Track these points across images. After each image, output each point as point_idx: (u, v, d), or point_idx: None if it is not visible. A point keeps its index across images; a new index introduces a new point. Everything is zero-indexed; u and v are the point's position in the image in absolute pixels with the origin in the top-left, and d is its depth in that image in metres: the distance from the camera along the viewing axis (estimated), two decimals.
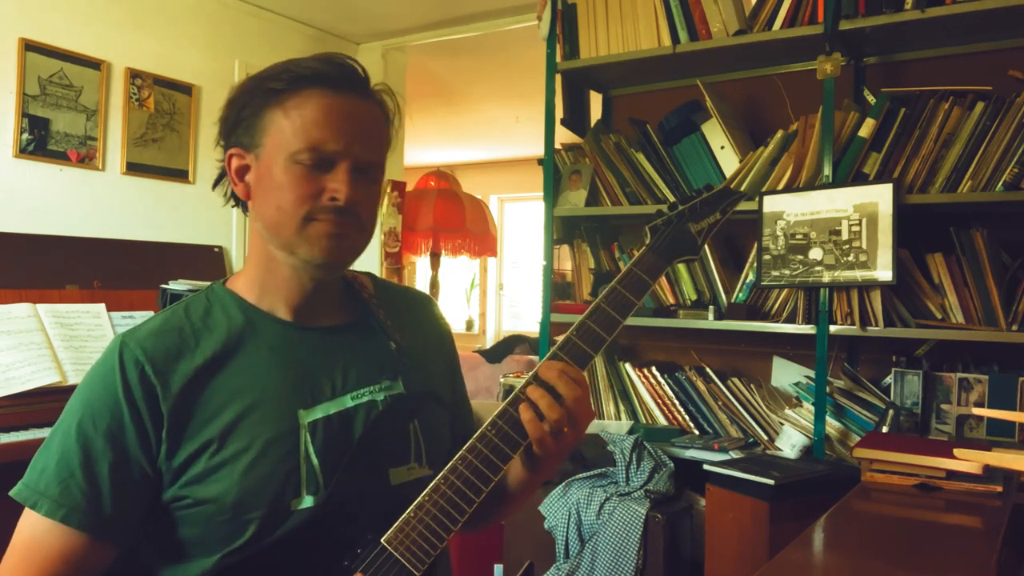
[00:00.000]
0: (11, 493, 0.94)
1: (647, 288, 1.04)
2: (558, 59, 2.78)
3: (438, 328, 1.22)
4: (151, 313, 2.75)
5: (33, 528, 0.93)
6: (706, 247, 2.57)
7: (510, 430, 0.96)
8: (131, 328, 1.01)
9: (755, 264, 2.42)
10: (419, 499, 0.93)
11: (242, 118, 0.99)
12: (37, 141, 3.08)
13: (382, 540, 0.92)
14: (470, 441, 0.95)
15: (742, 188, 2.43)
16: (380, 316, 1.09)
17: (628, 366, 2.73)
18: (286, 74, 0.97)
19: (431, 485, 0.94)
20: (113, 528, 0.94)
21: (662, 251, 1.06)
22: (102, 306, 2.65)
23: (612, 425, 2.64)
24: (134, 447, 0.94)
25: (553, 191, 2.80)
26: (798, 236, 2.28)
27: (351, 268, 1.11)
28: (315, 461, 0.96)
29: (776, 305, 2.43)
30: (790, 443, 2.30)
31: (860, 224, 2.18)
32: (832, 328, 2.24)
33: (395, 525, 0.92)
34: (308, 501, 0.95)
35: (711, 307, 2.50)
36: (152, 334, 0.98)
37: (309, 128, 0.95)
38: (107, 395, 0.95)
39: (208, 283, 1.12)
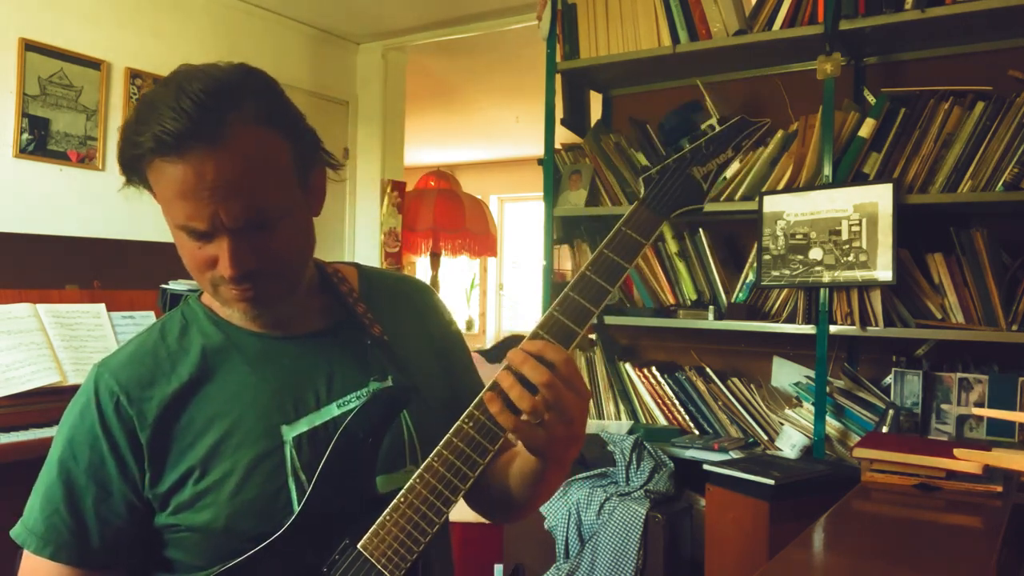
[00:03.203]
0: (11, 533, 0.95)
1: (639, 250, 0.90)
2: (558, 59, 2.78)
3: (430, 316, 1.12)
4: (151, 313, 2.75)
5: (29, 566, 0.93)
6: (706, 247, 2.61)
7: (487, 421, 0.86)
8: (108, 355, 0.99)
9: (755, 264, 2.42)
10: (395, 501, 0.88)
11: (124, 170, 0.90)
12: (37, 141, 3.08)
13: (358, 545, 0.88)
14: (447, 435, 0.88)
15: (742, 188, 2.43)
16: (360, 310, 1.02)
17: (628, 366, 2.73)
18: (132, 146, 0.85)
19: (407, 485, 0.88)
20: (106, 559, 0.93)
21: (658, 204, 0.92)
22: (102, 306, 2.65)
23: (612, 425, 2.64)
24: (116, 480, 0.93)
25: (553, 191, 2.80)
26: (798, 236, 2.28)
27: (333, 262, 1.08)
28: (303, 477, 0.93)
29: (776, 305, 2.43)
30: (790, 443, 2.30)
31: (860, 224, 2.18)
32: (832, 328, 2.24)
33: (371, 529, 0.88)
34: (291, 520, 0.91)
35: (711, 307, 2.50)
36: (127, 362, 0.96)
37: (171, 206, 0.87)
38: (85, 429, 0.94)
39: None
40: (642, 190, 0.94)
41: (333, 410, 0.97)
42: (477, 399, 0.87)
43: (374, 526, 0.88)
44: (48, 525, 0.92)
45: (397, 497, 0.88)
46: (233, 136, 0.84)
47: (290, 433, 0.94)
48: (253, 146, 0.86)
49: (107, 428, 0.93)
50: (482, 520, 1.14)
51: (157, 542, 0.96)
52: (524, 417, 0.84)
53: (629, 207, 0.93)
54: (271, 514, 0.92)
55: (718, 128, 0.95)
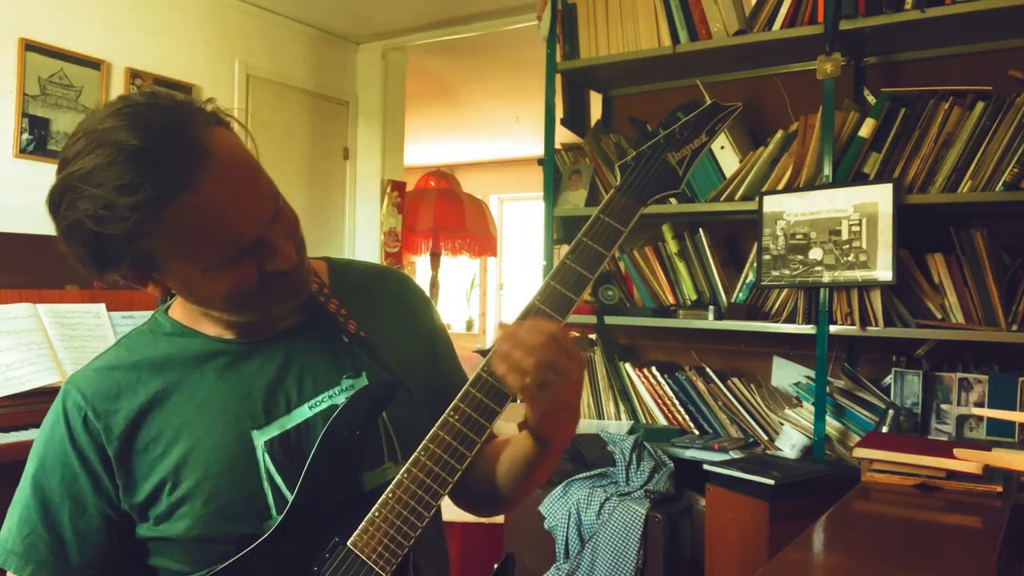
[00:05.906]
0: None
1: (619, 237, 0.92)
2: (558, 59, 2.78)
3: (408, 304, 1.10)
4: (151, 313, 2.75)
5: None
6: (706, 247, 2.61)
7: (473, 412, 0.87)
8: (77, 370, 0.98)
9: (755, 264, 2.42)
10: (383, 496, 0.88)
11: (110, 263, 0.85)
12: (37, 141, 3.08)
13: (348, 543, 0.88)
14: (433, 428, 0.88)
15: (742, 188, 2.43)
16: (332, 308, 0.99)
17: (628, 366, 2.73)
18: (128, 210, 0.78)
19: (395, 480, 0.88)
20: (87, 574, 0.93)
21: (635, 191, 0.94)
22: (102, 306, 2.65)
23: (612, 425, 2.64)
24: (90, 494, 0.92)
25: (553, 191, 2.80)
26: (798, 236, 2.28)
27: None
28: (278, 480, 0.92)
29: (776, 305, 2.43)
30: (790, 443, 2.30)
31: (860, 224, 2.18)
32: (832, 328, 2.24)
33: (360, 526, 0.88)
34: (279, 521, 0.91)
35: (711, 307, 2.51)
36: (94, 376, 0.96)
37: (200, 244, 0.83)
38: (56, 445, 0.93)
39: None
40: (617, 177, 0.95)
41: (305, 411, 0.96)
42: (463, 391, 0.88)
43: (363, 523, 0.88)
44: (27, 544, 0.92)
45: (385, 493, 0.88)
46: (217, 142, 0.83)
47: (261, 438, 0.93)
48: (232, 142, 0.87)
49: (76, 444, 0.92)
50: (482, 520, 1.14)
51: (140, 551, 0.95)
52: (528, 380, 0.83)
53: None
54: (248, 518, 0.91)
55: (691, 114, 0.95)
